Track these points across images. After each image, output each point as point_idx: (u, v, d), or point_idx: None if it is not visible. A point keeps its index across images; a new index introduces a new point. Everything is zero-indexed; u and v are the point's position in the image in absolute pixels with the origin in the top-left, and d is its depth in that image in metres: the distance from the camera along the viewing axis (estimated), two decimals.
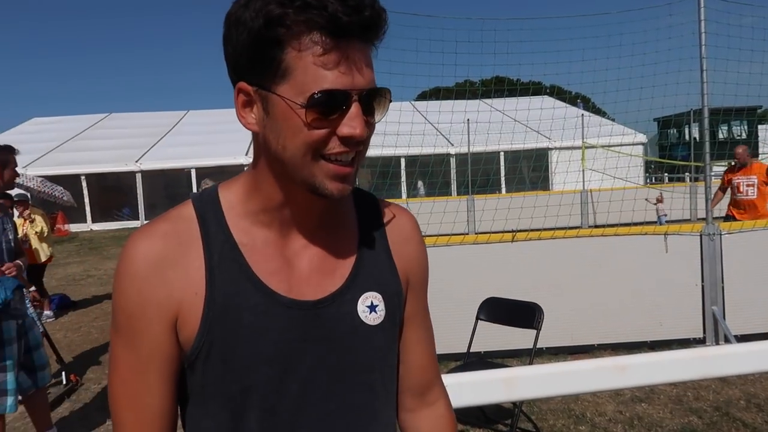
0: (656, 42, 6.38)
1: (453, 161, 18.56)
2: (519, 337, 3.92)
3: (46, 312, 7.13)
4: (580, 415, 3.81)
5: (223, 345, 0.80)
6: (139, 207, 18.85)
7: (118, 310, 0.81)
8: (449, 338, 3.90)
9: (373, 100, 0.77)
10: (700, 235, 4.99)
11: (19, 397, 3.32)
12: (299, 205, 0.84)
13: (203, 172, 16.68)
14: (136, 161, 19.01)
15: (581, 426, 3.68)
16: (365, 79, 0.75)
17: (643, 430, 3.61)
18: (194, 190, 16.58)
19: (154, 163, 19.04)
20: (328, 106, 0.73)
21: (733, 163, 7.37)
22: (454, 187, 18.52)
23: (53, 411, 4.10)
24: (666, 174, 19.72)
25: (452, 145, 18.39)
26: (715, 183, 6.68)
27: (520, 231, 5.40)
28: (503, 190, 18.46)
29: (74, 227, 17.55)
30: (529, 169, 20.20)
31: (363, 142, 0.78)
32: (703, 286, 4.99)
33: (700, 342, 4.99)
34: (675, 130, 23.12)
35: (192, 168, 18.53)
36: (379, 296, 0.89)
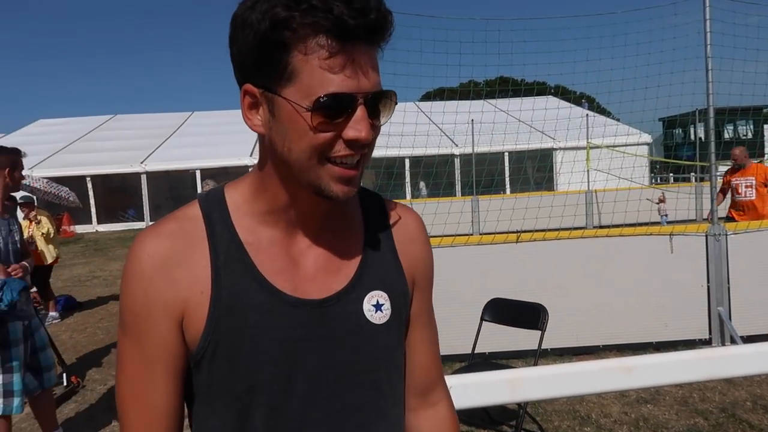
0: (661, 42, 6.37)
1: (457, 162, 18.55)
2: (524, 338, 3.91)
3: (52, 313, 7.16)
4: (585, 416, 3.80)
5: (229, 344, 0.80)
6: (144, 208, 18.91)
7: (124, 310, 0.82)
8: (454, 339, 3.90)
9: (378, 102, 0.77)
10: (706, 236, 4.96)
11: (25, 399, 3.33)
12: (305, 206, 0.84)
13: (208, 173, 16.73)
14: (141, 162, 19.08)
15: (586, 427, 3.66)
16: (371, 82, 0.75)
17: (648, 431, 3.60)
18: (199, 191, 16.60)
19: (159, 164, 19.10)
20: (333, 109, 0.73)
21: (731, 165, 7.36)
22: (458, 187, 18.51)
23: (58, 412, 4.11)
24: (671, 174, 19.66)
25: (456, 145, 18.38)
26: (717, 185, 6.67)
27: (525, 231, 5.39)
28: (508, 190, 18.44)
29: (80, 228, 17.63)
30: (534, 170, 20.17)
31: (368, 145, 0.78)
32: (708, 287, 4.96)
33: (706, 343, 4.97)
34: (680, 130, 23.06)
35: (197, 169, 18.58)
36: (385, 295, 0.89)
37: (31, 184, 8.23)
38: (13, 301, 3.03)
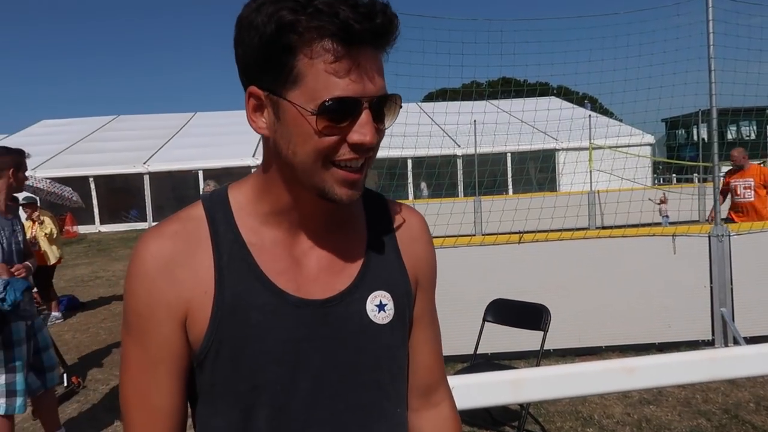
0: (664, 42, 6.35)
1: (460, 162, 18.54)
2: (526, 339, 3.91)
3: (55, 313, 7.17)
4: (587, 417, 3.79)
5: (232, 344, 0.80)
6: (147, 208, 18.94)
7: (128, 310, 0.82)
8: (456, 340, 3.90)
9: (383, 106, 0.77)
10: (709, 237, 4.95)
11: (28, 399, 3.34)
12: (308, 208, 0.84)
13: (211, 174, 16.75)
14: (144, 163, 19.11)
15: (589, 428, 3.66)
16: (376, 86, 0.75)
17: None
18: (201, 191, 16.63)
19: (162, 164, 19.13)
20: (338, 113, 0.73)
21: (731, 166, 7.35)
22: (460, 188, 18.50)
23: (60, 412, 4.12)
24: (674, 175, 19.63)
25: (459, 146, 18.37)
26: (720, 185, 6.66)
27: (527, 232, 5.38)
28: (510, 191, 18.42)
29: (83, 229, 17.66)
30: (536, 171, 20.15)
31: (373, 149, 0.78)
32: (711, 288, 4.96)
33: (709, 344, 4.95)
34: (683, 131, 23.02)
35: (199, 170, 18.60)
36: (388, 295, 0.89)
37: (35, 185, 8.26)
38: (16, 301, 3.04)
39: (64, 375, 4.75)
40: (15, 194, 3.61)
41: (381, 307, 0.88)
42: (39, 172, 15.63)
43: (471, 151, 14.56)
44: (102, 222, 18.80)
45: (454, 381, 1.06)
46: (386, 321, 0.88)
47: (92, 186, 18.52)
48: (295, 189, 0.82)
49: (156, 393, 0.82)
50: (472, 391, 1.54)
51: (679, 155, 20.54)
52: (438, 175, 16.78)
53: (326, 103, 0.72)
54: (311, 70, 0.72)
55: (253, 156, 18.78)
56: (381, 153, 0.87)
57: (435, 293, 1.02)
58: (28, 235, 6.51)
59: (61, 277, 9.81)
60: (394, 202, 1.00)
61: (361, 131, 0.74)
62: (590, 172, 13.56)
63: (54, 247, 7.27)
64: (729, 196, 7.25)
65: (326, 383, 0.84)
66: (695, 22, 5.43)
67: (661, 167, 20.60)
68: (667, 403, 3.95)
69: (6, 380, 3.11)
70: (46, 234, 7.16)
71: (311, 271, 0.86)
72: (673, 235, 4.98)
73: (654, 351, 4.85)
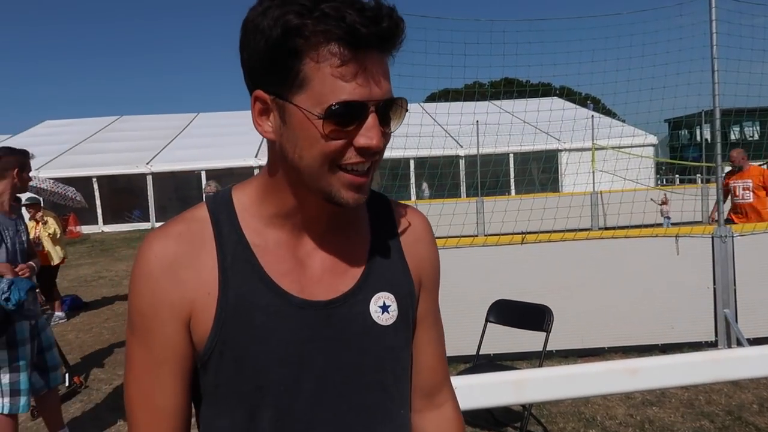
0: (667, 42, 6.36)
1: (462, 163, 18.54)
2: (528, 340, 3.91)
3: (58, 313, 7.19)
4: (590, 418, 3.79)
5: (236, 345, 0.80)
6: (150, 209, 18.98)
7: (132, 310, 0.82)
8: (458, 340, 3.89)
9: (389, 110, 0.77)
10: (712, 238, 4.94)
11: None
12: (313, 210, 0.85)
13: (213, 174, 16.76)
14: (147, 163, 19.14)
15: (591, 429, 3.65)
16: (382, 90, 0.75)
17: None
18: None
19: (165, 165, 19.16)
20: (345, 117, 0.73)
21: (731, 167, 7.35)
22: (463, 188, 18.49)
23: (63, 411, 4.13)
24: (677, 176, 19.59)
25: (461, 146, 18.36)
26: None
27: (530, 233, 5.37)
28: (513, 191, 18.40)
29: (86, 229, 17.71)
30: (539, 171, 20.13)
31: (379, 152, 0.78)
32: (714, 289, 4.94)
33: (712, 345, 4.94)
34: (686, 132, 22.96)
35: (202, 170, 18.62)
36: (391, 296, 0.89)
37: (38, 185, 8.28)
38: (20, 301, 3.04)
39: (66, 375, 4.76)
40: (18, 194, 3.63)
41: (384, 308, 0.88)
42: (42, 172, 15.70)
43: (473, 151, 14.57)
44: (105, 222, 18.84)
45: (457, 381, 1.06)
46: (390, 322, 0.88)
47: (95, 186, 18.56)
48: (300, 192, 0.82)
49: (160, 393, 0.82)
50: (475, 391, 1.54)
51: (682, 156, 20.51)
52: (440, 175, 16.78)
53: (333, 107, 0.72)
54: (318, 74, 0.72)
55: (256, 156, 18.80)
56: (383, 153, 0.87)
57: (438, 294, 1.02)
58: (32, 236, 6.53)
59: (65, 277, 9.83)
60: (397, 203, 1.00)
61: (367, 135, 0.74)
62: (593, 172, 13.54)
63: (58, 248, 7.28)
64: (729, 197, 7.26)
65: (330, 384, 0.84)
66: (698, 23, 5.43)
67: (664, 168, 20.56)
68: (670, 405, 3.94)
69: (10, 379, 3.12)
70: (49, 234, 7.17)
71: (315, 273, 0.86)
72: (676, 236, 4.97)
73: (657, 352, 4.84)
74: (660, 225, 10.71)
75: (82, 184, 15.59)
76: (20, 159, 3.37)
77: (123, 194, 19.58)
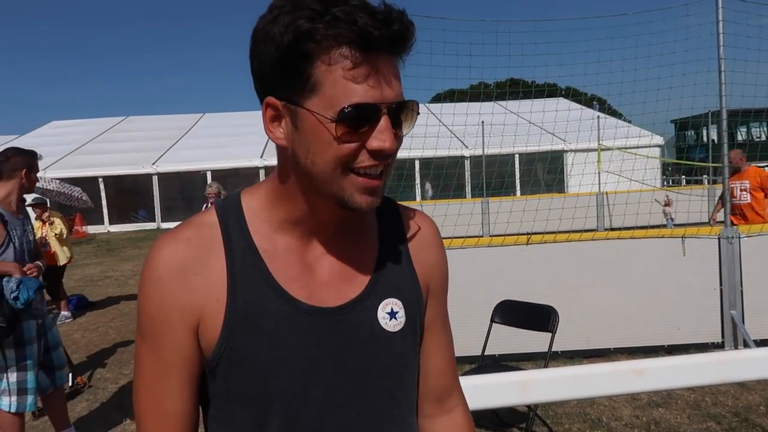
0: (673, 43, 6.31)
1: (467, 163, 18.51)
2: (534, 340, 3.90)
3: (64, 312, 7.23)
4: (596, 419, 3.77)
5: (244, 351, 0.80)
6: (156, 209, 19.04)
7: (142, 315, 0.82)
8: (464, 341, 3.86)
9: (401, 112, 0.77)
10: (719, 238, 4.92)
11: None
12: (323, 216, 0.85)
13: (219, 175, 16.83)
14: (153, 164, 19.21)
15: (597, 430, 3.64)
16: (394, 92, 0.75)
17: None
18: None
19: (171, 165, 19.22)
20: (357, 119, 0.73)
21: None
22: (468, 189, 18.46)
23: (69, 410, 4.15)
24: (683, 176, 19.50)
25: (467, 147, 18.34)
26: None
27: (535, 234, 5.37)
28: (518, 192, 18.35)
29: (92, 229, 17.76)
30: (545, 172, 20.07)
31: (392, 155, 0.78)
32: (721, 290, 4.92)
33: (719, 346, 4.92)
34: (693, 132, 22.87)
35: (208, 170, 18.65)
36: (399, 303, 0.89)
37: (44, 186, 8.32)
38: (29, 300, 3.07)
39: (70, 375, 4.78)
40: (23, 195, 3.65)
41: (392, 314, 0.88)
42: (49, 172, 15.76)
43: (479, 152, 14.53)
44: (111, 222, 18.91)
45: (462, 382, 1.06)
46: (397, 328, 0.88)
47: (101, 186, 18.63)
48: (312, 198, 0.82)
49: (168, 398, 0.82)
50: (480, 392, 1.54)
51: (688, 156, 20.40)
52: (446, 176, 16.77)
53: (345, 110, 0.72)
54: (329, 77, 0.72)
55: (261, 157, 18.83)
56: None
57: (447, 299, 1.02)
58: (38, 236, 6.56)
59: (71, 276, 9.88)
60: (405, 207, 1.00)
61: (380, 137, 0.74)
62: (599, 173, 13.50)
63: (65, 248, 7.31)
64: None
65: (338, 391, 0.84)
66: (705, 23, 5.41)
67: (670, 168, 20.46)
68: (676, 406, 3.93)
69: (17, 378, 3.14)
70: (56, 234, 7.21)
71: (323, 278, 0.86)
72: (682, 237, 4.95)
73: (663, 353, 4.82)
74: (663, 227, 10.67)
75: (88, 184, 15.65)
76: (29, 159, 3.39)
77: (129, 194, 19.66)
